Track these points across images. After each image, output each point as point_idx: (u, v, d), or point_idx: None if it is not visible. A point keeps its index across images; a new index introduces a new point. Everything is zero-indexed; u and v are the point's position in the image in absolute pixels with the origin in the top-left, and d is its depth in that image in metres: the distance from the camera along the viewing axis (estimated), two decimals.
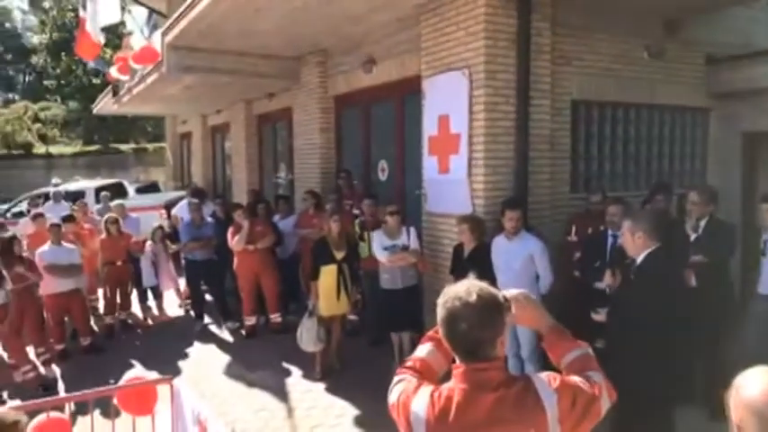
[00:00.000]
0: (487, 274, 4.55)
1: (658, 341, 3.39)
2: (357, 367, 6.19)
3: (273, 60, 8.89)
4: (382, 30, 7.06)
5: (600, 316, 3.79)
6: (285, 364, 6.40)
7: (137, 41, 11.39)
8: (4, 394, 6.18)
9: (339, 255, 6.12)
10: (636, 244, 3.59)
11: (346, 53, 8.07)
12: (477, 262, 5.04)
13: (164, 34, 7.97)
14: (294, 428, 5.02)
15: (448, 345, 1.78)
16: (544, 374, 1.75)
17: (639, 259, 3.58)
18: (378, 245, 5.90)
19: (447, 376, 1.86)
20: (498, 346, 1.73)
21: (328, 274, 6.05)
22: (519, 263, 4.94)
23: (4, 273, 6.43)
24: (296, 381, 6.02)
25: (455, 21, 5.70)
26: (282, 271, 7.78)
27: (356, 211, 7.41)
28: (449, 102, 5.80)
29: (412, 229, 6.00)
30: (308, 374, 6.08)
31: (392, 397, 1.83)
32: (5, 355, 6.70)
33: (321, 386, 5.84)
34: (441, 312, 1.75)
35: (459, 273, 5.17)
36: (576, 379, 1.76)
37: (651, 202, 5.67)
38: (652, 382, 3.41)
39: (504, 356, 1.81)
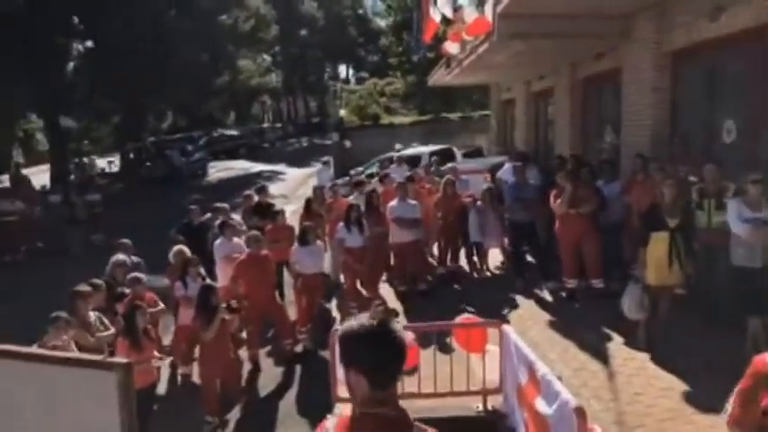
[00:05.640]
0: None
1: None
2: (687, 343, 5.74)
3: (603, 19, 8.58)
4: None
5: None
6: (606, 329, 6.34)
7: (467, 15, 12.16)
8: None
9: (672, 222, 5.75)
10: None
11: (687, 2, 7.31)
12: None
13: (495, 4, 8.36)
14: (615, 392, 5.01)
15: None
16: None
17: None
18: (735, 216, 5.30)
19: None
20: None
21: (659, 242, 5.74)
22: None
23: (364, 221, 7.79)
24: (617, 347, 5.94)
25: None
26: (605, 237, 7.61)
27: (692, 178, 6.78)
28: None
29: None
30: (631, 342, 5.92)
31: None
32: (364, 291, 8.12)
33: (645, 356, 5.64)
34: None
35: None
36: None
37: None
38: None
39: None
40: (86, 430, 2.46)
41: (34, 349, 3.43)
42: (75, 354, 4.41)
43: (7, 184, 17.79)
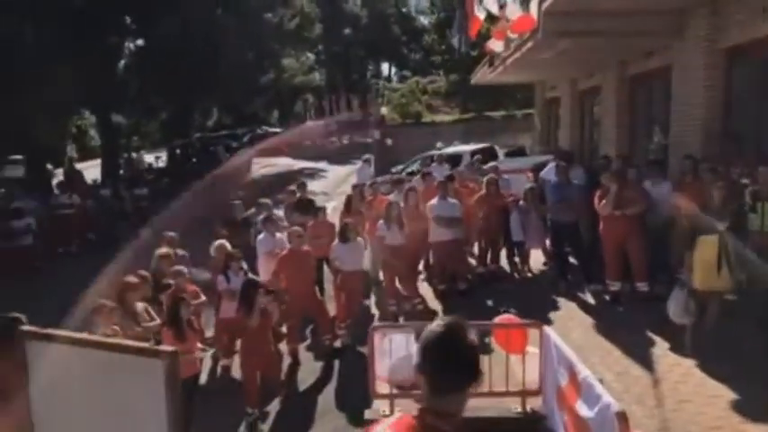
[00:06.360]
0: None
1: None
2: (737, 350, 5.54)
3: (653, 16, 8.36)
4: None
5: None
6: (650, 334, 6.18)
7: (512, 12, 12.01)
8: (401, 319, 7.56)
9: (722, 225, 5.56)
10: None
11: None
12: None
13: (541, 1, 8.24)
14: (660, 399, 4.88)
15: None
16: None
17: None
18: None
19: None
20: None
21: (708, 246, 5.57)
22: None
23: (404, 220, 7.80)
24: (662, 352, 5.78)
25: None
26: (652, 239, 7.42)
27: (745, 180, 6.55)
28: None
29: None
30: (677, 348, 5.76)
31: None
32: (401, 288, 8.11)
33: (692, 362, 5.48)
34: None
35: None
36: None
37: None
38: None
39: None
40: (134, 415, 2.54)
41: (85, 335, 3.56)
42: (125, 341, 4.56)
43: (62, 178, 18.50)
